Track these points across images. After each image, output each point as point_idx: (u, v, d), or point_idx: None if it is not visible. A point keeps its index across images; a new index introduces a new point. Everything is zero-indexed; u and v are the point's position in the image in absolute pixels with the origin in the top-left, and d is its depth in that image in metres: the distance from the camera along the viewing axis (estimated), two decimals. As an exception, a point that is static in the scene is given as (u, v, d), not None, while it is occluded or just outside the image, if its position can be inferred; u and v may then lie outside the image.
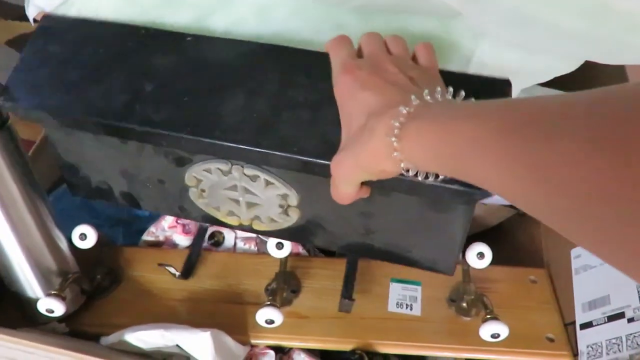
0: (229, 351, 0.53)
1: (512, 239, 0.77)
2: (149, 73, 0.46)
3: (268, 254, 0.59)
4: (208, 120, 0.44)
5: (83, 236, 0.56)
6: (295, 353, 0.57)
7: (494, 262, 0.65)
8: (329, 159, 0.39)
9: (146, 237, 0.67)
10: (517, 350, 0.56)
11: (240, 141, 0.43)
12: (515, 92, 0.54)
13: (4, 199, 0.50)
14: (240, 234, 0.67)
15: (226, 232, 0.67)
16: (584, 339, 0.56)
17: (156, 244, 0.67)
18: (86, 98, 0.45)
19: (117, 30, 0.49)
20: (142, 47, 0.48)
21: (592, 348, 0.54)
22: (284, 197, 0.48)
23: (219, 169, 0.47)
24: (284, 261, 0.60)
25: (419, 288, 0.61)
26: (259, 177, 0.47)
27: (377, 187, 0.43)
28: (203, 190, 0.50)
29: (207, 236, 0.67)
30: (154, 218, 0.68)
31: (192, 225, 0.67)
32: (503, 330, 0.51)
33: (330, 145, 0.41)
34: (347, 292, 0.56)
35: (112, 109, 0.45)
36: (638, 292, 0.53)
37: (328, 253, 0.67)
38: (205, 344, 0.50)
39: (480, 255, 0.55)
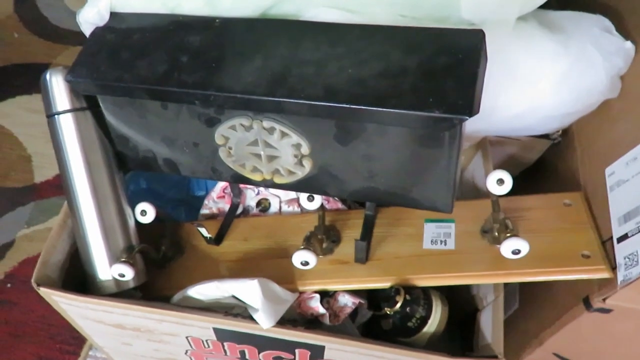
0: (277, 296, 0.59)
1: (554, 169, 0.76)
2: (184, 48, 0.55)
3: (310, 212, 0.65)
4: (231, 80, 0.52)
5: (144, 212, 0.64)
6: (340, 295, 0.62)
7: (530, 192, 0.67)
8: (330, 102, 0.48)
9: (203, 210, 0.75)
10: (552, 270, 0.57)
11: (258, 93, 0.51)
12: (512, 19, 0.56)
13: (94, 176, 0.61)
14: (284, 197, 0.73)
15: (271, 197, 0.73)
16: (621, 251, 0.56)
17: (212, 217, 0.75)
18: (134, 70, 0.55)
19: (160, 19, 0.59)
20: (180, 30, 0.57)
21: (629, 258, 0.55)
22: (297, 146, 0.54)
23: (242, 124, 0.54)
24: (321, 215, 0.65)
25: (453, 225, 0.64)
26: (275, 129, 0.53)
27: (374, 127, 0.48)
28: (230, 148, 0.57)
29: (254, 204, 0.73)
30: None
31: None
32: (523, 246, 0.53)
33: (331, 91, 0.49)
34: (363, 237, 0.60)
35: (154, 76, 0.54)
36: (667, 195, 0.53)
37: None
38: (254, 291, 0.57)
39: (500, 181, 0.57)
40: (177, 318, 0.58)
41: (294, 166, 0.56)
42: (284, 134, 0.54)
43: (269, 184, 0.60)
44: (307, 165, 0.56)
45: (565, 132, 0.72)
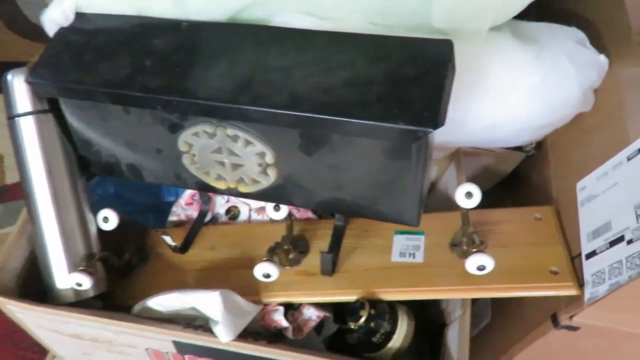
0: (240, 308, 0.57)
1: (529, 182, 0.76)
2: (149, 52, 0.54)
3: (279, 221, 0.63)
4: (195, 85, 0.51)
5: (106, 219, 0.62)
6: (305, 307, 0.60)
7: (504, 205, 0.66)
8: (295, 110, 0.47)
9: (171, 217, 0.73)
10: (519, 286, 0.56)
11: (221, 99, 0.49)
12: (485, 29, 0.55)
13: (54, 180, 0.59)
14: (254, 205, 0.71)
15: (241, 205, 0.72)
16: (589, 268, 0.55)
17: (180, 224, 0.73)
18: (96, 73, 0.53)
19: (126, 21, 0.57)
20: (146, 33, 0.56)
21: (597, 276, 0.54)
22: (262, 155, 0.52)
23: (205, 131, 0.53)
24: (289, 224, 0.63)
25: (422, 237, 0.63)
26: (239, 136, 0.52)
27: (340, 137, 0.47)
28: (194, 155, 0.55)
29: (224, 211, 0.72)
30: (177, 202, 0.74)
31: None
32: (488, 262, 0.52)
33: (297, 99, 0.48)
34: (331, 248, 0.59)
35: (116, 80, 0.52)
36: (635, 212, 0.52)
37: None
38: (215, 303, 0.55)
39: (469, 194, 0.56)
40: (135, 330, 0.56)
41: (258, 175, 0.55)
42: (248, 142, 0.52)
43: (233, 193, 0.58)
44: (272, 174, 0.54)
45: (540, 144, 0.72)
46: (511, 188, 0.81)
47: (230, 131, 0.52)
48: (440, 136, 0.62)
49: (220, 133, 0.52)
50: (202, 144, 0.54)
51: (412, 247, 0.62)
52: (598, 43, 0.64)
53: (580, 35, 0.63)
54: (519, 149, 0.71)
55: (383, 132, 0.46)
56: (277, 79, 0.50)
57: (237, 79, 0.50)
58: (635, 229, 0.51)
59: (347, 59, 0.50)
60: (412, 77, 0.47)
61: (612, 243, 0.53)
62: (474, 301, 0.75)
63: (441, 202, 0.74)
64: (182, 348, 0.58)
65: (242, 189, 0.57)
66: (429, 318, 0.68)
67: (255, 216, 0.71)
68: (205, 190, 0.60)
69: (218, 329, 0.54)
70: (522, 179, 0.78)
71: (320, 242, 0.65)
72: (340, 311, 0.62)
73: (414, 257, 0.61)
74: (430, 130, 0.44)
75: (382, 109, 0.46)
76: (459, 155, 0.71)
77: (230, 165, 0.55)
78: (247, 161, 0.54)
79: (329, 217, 0.70)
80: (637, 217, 0.51)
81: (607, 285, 0.52)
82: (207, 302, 0.55)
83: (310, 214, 0.69)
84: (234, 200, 0.72)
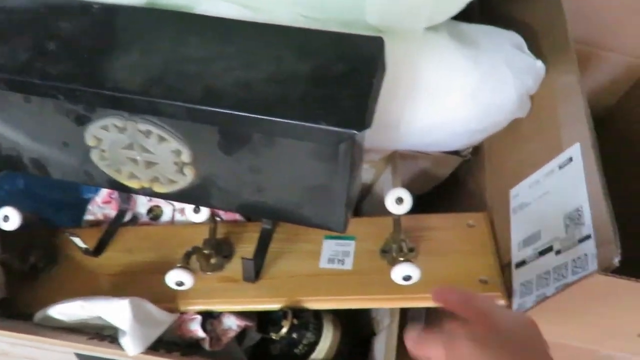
0: (152, 318, 0.52)
1: (466, 187, 0.75)
2: (54, 35, 0.49)
3: (204, 223, 0.59)
4: (102, 74, 0.46)
5: (6, 218, 0.56)
6: (225, 317, 0.56)
7: (440, 210, 0.64)
8: (211, 106, 0.43)
9: (86, 216, 0.68)
10: (449, 295, 0.54)
11: (130, 91, 0.45)
12: (420, 28, 0.52)
13: None
14: (178, 205, 0.66)
15: (164, 205, 0.67)
16: (517, 277, 0.54)
17: (97, 223, 0.68)
18: None
19: (30, 0, 0.52)
20: (52, 13, 0.51)
21: (525, 286, 0.52)
22: (177, 153, 0.48)
23: (115, 125, 0.48)
24: (212, 227, 0.59)
25: (353, 242, 0.60)
26: (151, 132, 0.47)
27: (261, 137, 0.44)
28: (104, 151, 0.50)
29: (145, 211, 0.67)
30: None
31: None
32: (414, 272, 0.50)
33: (213, 94, 0.44)
34: (256, 253, 0.55)
35: (14, 64, 0.47)
36: (564, 223, 0.51)
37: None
38: (123, 312, 0.50)
39: (399, 200, 0.53)
40: (31, 341, 0.51)
41: (174, 174, 0.50)
42: (162, 139, 0.48)
43: (148, 193, 0.53)
44: (189, 174, 0.50)
45: (477, 149, 0.70)
46: (449, 193, 0.79)
47: (142, 126, 0.47)
48: (374, 138, 0.59)
49: (131, 127, 0.47)
50: (112, 139, 0.49)
51: (342, 254, 0.59)
52: (536, 48, 0.62)
53: (519, 39, 0.62)
54: (456, 153, 0.70)
55: (306, 133, 0.42)
56: (194, 71, 0.45)
57: (149, 69, 0.46)
58: (564, 239, 0.50)
59: (272, 53, 0.46)
60: (339, 75, 0.44)
61: (542, 253, 0.52)
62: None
63: (377, 206, 0.72)
64: (87, 361, 0.54)
65: (157, 188, 0.52)
66: (359, 326, 0.65)
67: (179, 217, 0.66)
68: (118, 189, 0.55)
69: (125, 341, 0.49)
70: (460, 183, 0.77)
71: (247, 246, 0.61)
72: (264, 320, 0.58)
73: (343, 264, 0.58)
74: (355, 132, 0.41)
75: (306, 108, 0.43)
76: (395, 158, 0.68)
77: (144, 162, 0.50)
78: (161, 159, 0.49)
79: (258, 219, 0.66)
80: (566, 228, 0.50)
81: (534, 296, 0.50)
82: (114, 311, 0.51)
83: (237, 216, 0.65)
84: (157, 199, 0.67)
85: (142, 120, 0.47)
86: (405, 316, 0.73)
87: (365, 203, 0.76)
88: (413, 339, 0.38)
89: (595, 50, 0.83)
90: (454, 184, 0.78)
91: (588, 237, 0.47)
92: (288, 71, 0.45)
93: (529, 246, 0.54)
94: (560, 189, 0.53)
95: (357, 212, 0.76)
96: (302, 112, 0.42)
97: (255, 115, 0.42)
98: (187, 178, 0.50)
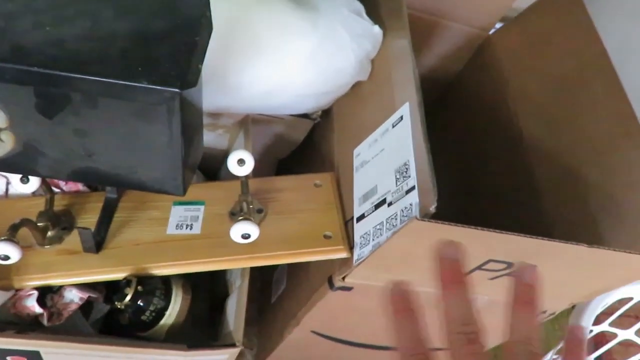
0: (-22, 298, 0.49)
1: (318, 150, 0.77)
2: None
3: (41, 195, 0.56)
4: None
5: None
6: (67, 290, 0.54)
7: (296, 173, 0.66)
8: (19, 64, 0.40)
9: None
10: (293, 252, 0.56)
11: None
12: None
13: None
14: (13, 177, 0.62)
15: (-4, 178, 0.62)
16: (358, 230, 0.57)
17: None
18: None
19: None
20: None
21: (363, 238, 0.56)
22: (-11, 118, 0.44)
23: None
24: (49, 199, 0.56)
25: (202, 207, 0.60)
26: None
27: (81, 97, 0.42)
28: None
29: (-25, 186, 0.61)
30: None
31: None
32: (252, 230, 0.51)
33: (21, 51, 0.41)
34: (99, 222, 0.53)
35: None
36: (395, 177, 0.54)
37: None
38: (-58, 293, 0.46)
39: (241, 162, 0.54)
40: None
41: (-9, 142, 0.47)
42: (-31, 102, 0.44)
43: (-41, 162, 0.49)
44: (8, 140, 0.46)
45: (327, 112, 0.73)
46: (307, 157, 0.82)
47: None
48: (217, 99, 0.60)
49: None
50: None
51: (190, 218, 0.59)
52: (374, 14, 0.65)
53: (357, 5, 0.65)
54: (306, 116, 0.71)
55: (127, 92, 0.41)
56: None
57: None
58: (395, 191, 0.54)
59: (88, 9, 0.44)
60: (161, 32, 0.43)
61: (377, 206, 0.56)
62: (275, 268, 0.75)
63: (233, 171, 0.72)
64: None
65: (-28, 157, 0.48)
66: (216, 289, 0.66)
67: (13, 190, 0.62)
68: None
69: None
70: (314, 147, 0.79)
71: (90, 217, 0.59)
72: (111, 291, 0.57)
73: (191, 229, 0.58)
74: (178, 90, 0.41)
75: (125, 66, 0.41)
76: (247, 123, 0.69)
77: (-49, 128, 0.46)
78: (-28, 124, 0.45)
79: (103, 189, 0.64)
80: (396, 181, 0.54)
81: (370, 246, 0.54)
82: None
83: (80, 187, 0.62)
84: (-11, 173, 0.62)
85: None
86: (271, 279, 0.75)
87: (223, 169, 0.76)
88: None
89: (440, 20, 0.89)
90: (311, 148, 0.81)
91: (413, 188, 0.51)
92: (105, 27, 0.43)
93: (367, 201, 0.57)
94: (393, 146, 0.57)
95: (215, 178, 0.76)
96: (121, 70, 0.41)
97: (69, 74, 0.40)
98: (5, 145, 0.47)
